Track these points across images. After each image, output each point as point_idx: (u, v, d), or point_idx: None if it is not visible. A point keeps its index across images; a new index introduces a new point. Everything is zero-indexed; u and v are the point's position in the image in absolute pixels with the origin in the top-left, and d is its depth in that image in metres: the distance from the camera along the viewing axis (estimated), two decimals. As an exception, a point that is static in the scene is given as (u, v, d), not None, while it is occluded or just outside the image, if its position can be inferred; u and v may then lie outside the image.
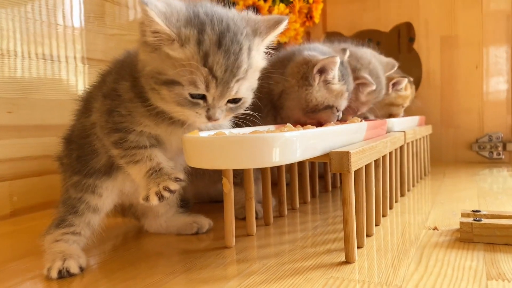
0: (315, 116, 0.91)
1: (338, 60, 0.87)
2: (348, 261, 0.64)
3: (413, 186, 1.19)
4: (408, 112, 1.50)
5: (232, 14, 0.63)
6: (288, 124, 0.81)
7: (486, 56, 1.64)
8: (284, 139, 0.55)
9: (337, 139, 0.67)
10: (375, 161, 0.78)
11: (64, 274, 0.62)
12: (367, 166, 0.73)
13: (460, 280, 0.56)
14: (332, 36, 1.69)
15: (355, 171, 0.66)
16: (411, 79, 1.46)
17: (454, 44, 1.68)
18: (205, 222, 0.85)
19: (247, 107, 0.68)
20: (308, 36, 1.87)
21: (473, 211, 0.78)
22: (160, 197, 0.62)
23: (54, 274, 0.62)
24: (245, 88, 0.64)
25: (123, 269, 0.66)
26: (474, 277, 0.57)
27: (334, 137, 0.67)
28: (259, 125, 0.81)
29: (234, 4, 1.39)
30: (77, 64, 1.20)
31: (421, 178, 1.31)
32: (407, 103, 1.42)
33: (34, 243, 0.72)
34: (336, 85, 0.91)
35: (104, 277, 0.64)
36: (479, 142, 1.66)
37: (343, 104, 0.94)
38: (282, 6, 1.60)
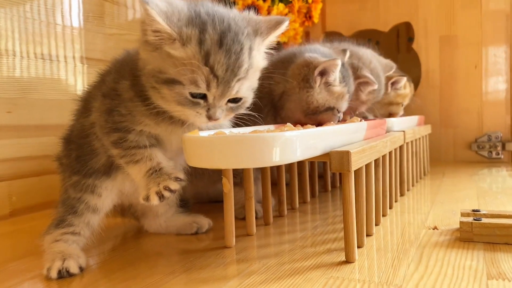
0: (316, 117, 0.91)
1: (339, 62, 0.87)
2: (348, 260, 0.64)
3: (413, 185, 1.19)
4: (408, 112, 1.50)
5: (233, 14, 0.63)
6: (288, 123, 0.80)
7: (485, 56, 1.64)
8: (284, 139, 0.55)
9: (337, 138, 0.67)
10: (375, 160, 0.78)
11: (64, 274, 0.62)
12: (367, 166, 0.73)
13: (461, 279, 0.56)
14: (331, 36, 1.69)
15: (355, 171, 0.65)
16: (409, 78, 1.46)
17: (453, 44, 1.68)
18: (204, 222, 0.84)
19: (247, 107, 0.68)
20: (307, 36, 1.87)
21: (473, 210, 0.78)
22: (161, 196, 0.62)
23: (53, 274, 0.62)
24: (246, 87, 0.64)
25: (123, 269, 0.66)
26: (474, 277, 0.57)
27: (334, 137, 0.67)
28: (259, 125, 0.81)
29: (233, 4, 1.38)
30: (76, 64, 1.20)
31: (420, 178, 1.31)
32: (406, 102, 1.42)
33: (34, 243, 0.72)
34: (337, 87, 0.91)
35: (103, 277, 0.63)
36: (478, 142, 1.66)
37: (344, 106, 0.94)
38: (281, 6, 1.60)
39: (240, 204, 0.90)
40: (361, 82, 1.07)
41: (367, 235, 0.74)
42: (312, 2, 1.70)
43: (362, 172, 0.69)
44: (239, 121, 0.73)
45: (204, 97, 0.61)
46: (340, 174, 1.27)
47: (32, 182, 1.08)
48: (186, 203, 0.92)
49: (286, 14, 1.63)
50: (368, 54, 1.18)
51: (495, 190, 1.13)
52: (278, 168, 0.95)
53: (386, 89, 1.30)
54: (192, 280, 0.60)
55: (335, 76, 0.89)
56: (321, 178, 1.24)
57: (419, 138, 1.26)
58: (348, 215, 0.63)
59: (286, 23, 0.66)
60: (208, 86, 0.59)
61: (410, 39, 1.88)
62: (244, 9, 0.67)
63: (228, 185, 0.73)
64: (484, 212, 0.77)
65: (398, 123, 1.08)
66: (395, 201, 1.00)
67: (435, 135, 1.63)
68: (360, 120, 0.89)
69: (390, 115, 1.38)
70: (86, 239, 0.73)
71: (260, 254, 0.70)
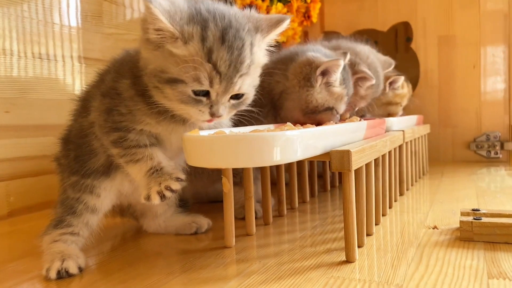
0: (315, 117, 0.91)
1: (342, 63, 0.87)
2: (348, 260, 0.64)
3: (412, 185, 1.19)
4: (407, 111, 1.50)
5: (234, 11, 0.64)
6: (288, 123, 0.80)
7: (484, 56, 1.64)
8: (285, 138, 0.55)
9: (337, 138, 0.67)
10: (375, 160, 0.78)
11: (63, 275, 0.62)
12: (367, 165, 0.73)
13: (461, 279, 0.56)
14: (330, 36, 1.69)
15: (355, 170, 0.65)
16: (407, 78, 1.46)
17: (451, 44, 1.68)
18: (204, 222, 0.84)
19: (248, 104, 0.68)
20: (305, 36, 1.87)
21: (473, 210, 0.78)
22: (162, 196, 0.62)
23: (52, 274, 0.62)
24: (248, 84, 0.64)
25: (122, 270, 0.65)
26: (475, 276, 0.57)
27: (334, 136, 0.66)
28: (260, 124, 0.81)
29: (232, 3, 1.38)
30: (74, 64, 1.20)
31: (419, 177, 1.31)
32: (404, 102, 1.42)
33: (32, 243, 0.72)
34: (337, 88, 0.91)
35: (103, 277, 0.63)
36: (477, 142, 1.66)
37: (342, 107, 0.94)
38: (280, 5, 1.60)
39: (239, 203, 0.90)
40: (359, 78, 1.07)
41: (367, 235, 0.74)
42: (311, 1, 1.70)
43: (362, 172, 0.69)
44: (241, 118, 0.72)
45: (206, 94, 0.61)
46: (339, 173, 1.27)
47: (31, 182, 1.08)
48: (185, 203, 0.92)
49: (285, 14, 1.63)
50: (366, 50, 1.18)
51: (494, 189, 1.14)
52: (277, 167, 0.95)
53: (384, 88, 1.30)
54: (191, 280, 0.60)
55: (336, 76, 0.89)
56: (320, 177, 1.24)
57: (418, 138, 1.26)
58: (349, 214, 0.63)
59: (287, 22, 0.66)
60: (211, 83, 0.59)
61: (409, 39, 1.88)
62: (243, 9, 0.67)
63: (228, 185, 0.73)
64: (484, 211, 0.77)
65: (397, 122, 1.08)
66: (395, 201, 1.00)
67: (433, 134, 1.63)
68: (360, 120, 0.89)
69: (389, 115, 1.38)
70: (85, 240, 0.72)
71: (260, 254, 0.70)
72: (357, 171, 0.68)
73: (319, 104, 0.89)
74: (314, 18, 1.74)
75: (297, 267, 0.63)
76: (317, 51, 0.94)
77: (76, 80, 1.20)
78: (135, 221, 0.88)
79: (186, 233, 0.83)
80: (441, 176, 1.37)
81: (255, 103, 0.71)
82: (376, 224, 0.81)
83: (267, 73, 0.73)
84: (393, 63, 1.28)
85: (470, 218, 0.72)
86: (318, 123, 0.92)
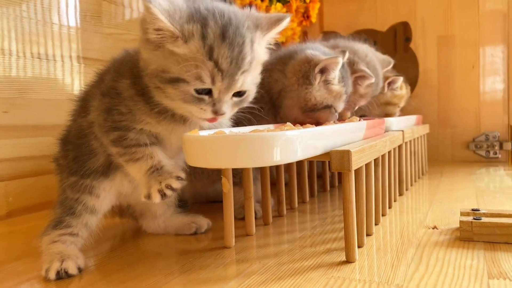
0: (313, 115, 0.91)
1: (340, 60, 0.87)
2: (348, 260, 0.64)
3: (411, 185, 1.19)
4: (406, 111, 1.50)
5: (233, 9, 0.64)
6: (288, 123, 0.80)
7: (483, 56, 1.64)
8: (285, 138, 0.55)
9: (337, 138, 0.67)
10: (375, 160, 0.78)
11: (62, 275, 0.62)
12: (367, 165, 0.73)
13: (462, 279, 0.56)
14: (328, 35, 1.69)
15: (355, 170, 0.65)
16: (405, 79, 1.46)
17: (450, 44, 1.68)
18: (203, 222, 0.84)
19: (250, 101, 0.68)
20: (305, 36, 1.87)
21: (473, 209, 0.78)
22: (163, 195, 0.61)
23: (52, 275, 0.61)
24: (250, 80, 0.64)
25: (122, 270, 0.65)
26: (475, 276, 0.56)
27: (334, 136, 0.66)
28: (260, 123, 0.81)
29: (231, 3, 1.38)
30: (73, 64, 1.19)
31: (418, 177, 1.31)
32: (402, 103, 1.42)
33: (31, 244, 0.72)
34: (336, 86, 0.91)
35: (102, 278, 0.63)
36: (476, 141, 1.66)
37: (340, 106, 0.94)
38: (279, 5, 1.60)
39: (239, 204, 0.90)
40: (358, 76, 1.07)
41: (367, 235, 0.74)
42: (310, 1, 1.70)
43: (362, 172, 0.69)
44: (242, 117, 0.72)
45: (209, 93, 0.61)
46: (338, 173, 1.27)
47: (29, 182, 1.07)
48: (185, 203, 0.92)
49: (283, 14, 1.63)
50: (364, 48, 1.18)
51: (493, 189, 1.14)
52: (277, 167, 0.95)
53: (383, 88, 1.30)
54: (191, 280, 0.60)
55: (335, 74, 0.89)
56: (320, 177, 1.23)
57: (418, 138, 1.26)
58: (349, 214, 0.63)
59: (287, 20, 0.66)
60: (213, 81, 0.59)
61: (408, 39, 1.88)
62: (242, 8, 0.67)
63: (227, 185, 0.73)
64: (483, 211, 0.77)
65: (397, 122, 1.08)
66: (394, 201, 1.00)
67: (433, 134, 1.63)
68: (359, 120, 0.89)
69: (386, 115, 1.38)
70: (84, 240, 0.72)
71: (259, 254, 0.70)
72: (357, 171, 0.68)
73: (318, 102, 0.90)
74: (313, 18, 1.73)
75: (297, 267, 0.63)
76: (316, 49, 0.94)
77: (75, 80, 1.20)
78: (134, 222, 0.87)
79: (186, 234, 0.83)
80: (440, 176, 1.37)
81: (255, 101, 0.71)
82: (375, 224, 0.81)
83: (266, 71, 0.73)
84: (392, 61, 1.28)
85: (470, 218, 0.72)
86: (317, 122, 0.92)
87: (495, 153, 1.64)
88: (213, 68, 0.58)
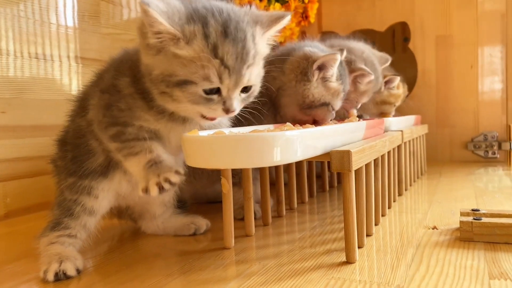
0: (310, 112, 0.91)
1: (338, 57, 0.87)
2: (349, 261, 0.63)
3: (410, 185, 1.19)
4: (403, 112, 1.50)
5: (231, 6, 0.63)
6: (288, 123, 0.80)
7: (481, 56, 1.65)
8: (285, 138, 0.55)
9: (337, 138, 0.67)
10: (374, 160, 0.77)
11: (61, 277, 0.61)
12: (367, 165, 0.72)
13: (463, 279, 0.56)
14: (326, 36, 1.69)
15: (355, 171, 0.65)
16: (402, 78, 1.46)
17: (449, 44, 1.68)
18: (202, 223, 0.84)
19: (255, 96, 0.68)
20: (303, 36, 1.86)
21: (473, 210, 0.77)
22: (161, 188, 0.60)
23: (50, 276, 0.61)
24: (255, 74, 0.64)
25: (120, 271, 0.65)
26: (476, 277, 0.56)
27: (334, 136, 0.66)
28: (260, 123, 0.81)
29: (228, 2, 1.38)
30: (71, 64, 1.19)
31: (418, 178, 1.31)
32: (399, 102, 1.42)
33: (29, 245, 0.71)
34: (334, 83, 0.91)
35: (101, 279, 0.62)
36: (474, 142, 1.66)
37: (338, 104, 0.94)
38: (277, 5, 1.59)
39: (238, 204, 0.90)
40: (357, 75, 1.07)
41: (367, 235, 0.74)
42: (309, 2, 1.70)
43: (362, 172, 0.69)
44: (242, 116, 0.72)
45: (217, 91, 0.61)
46: (338, 174, 1.27)
47: (27, 183, 1.07)
48: (184, 204, 0.92)
49: (282, 14, 1.63)
50: (360, 46, 1.18)
51: (492, 189, 1.14)
52: (276, 168, 0.95)
53: (380, 87, 1.29)
54: (191, 281, 0.59)
55: (333, 71, 0.89)
56: (319, 178, 1.23)
57: (416, 138, 1.26)
58: (349, 215, 0.63)
59: (288, 18, 0.66)
60: (220, 79, 0.59)
61: (406, 39, 1.88)
62: (241, 7, 0.67)
63: (227, 186, 0.72)
64: (483, 211, 0.76)
65: (396, 122, 1.08)
66: (394, 201, 0.99)
67: (431, 134, 1.63)
68: (359, 120, 0.89)
69: (381, 114, 1.38)
70: (83, 242, 0.72)
71: (259, 255, 0.69)
72: (357, 172, 0.67)
73: (316, 99, 0.90)
74: (312, 18, 1.73)
75: (297, 268, 0.62)
76: (315, 47, 0.94)
77: (73, 80, 1.19)
78: (133, 223, 0.87)
79: (185, 234, 0.83)
80: (439, 176, 1.37)
81: (255, 104, 0.71)
82: (375, 225, 0.80)
83: (266, 70, 0.73)
84: (389, 58, 1.27)
85: (470, 218, 0.71)
86: (314, 119, 0.92)
87: (494, 153, 1.64)
88: (220, 66, 0.58)
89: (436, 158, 1.70)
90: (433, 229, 0.79)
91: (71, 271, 0.62)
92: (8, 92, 1.03)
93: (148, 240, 0.82)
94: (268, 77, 0.89)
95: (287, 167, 0.99)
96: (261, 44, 0.64)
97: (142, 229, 0.85)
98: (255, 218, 0.84)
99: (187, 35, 0.58)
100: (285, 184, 0.96)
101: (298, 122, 0.91)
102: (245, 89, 0.64)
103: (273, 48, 0.70)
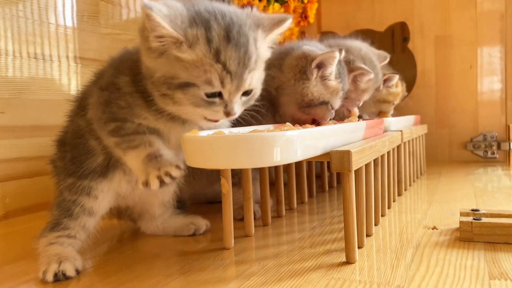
0: (310, 111, 0.91)
1: (337, 55, 0.87)
2: (348, 261, 0.63)
3: (410, 185, 1.19)
4: (403, 112, 1.50)
5: (233, 9, 0.63)
6: (288, 123, 0.80)
7: (480, 56, 1.65)
8: (285, 138, 0.55)
9: (337, 138, 0.67)
10: (374, 160, 0.77)
11: (60, 277, 0.61)
12: (367, 166, 0.72)
13: (463, 279, 0.56)
14: (326, 36, 1.69)
15: (355, 171, 0.65)
16: (401, 77, 1.46)
17: (448, 44, 1.68)
18: (202, 223, 0.84)
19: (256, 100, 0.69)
20: (302, 36, 1.86)
21: (472, 210, 0.77)
22: (161, 182, 0.59)
23: (49, 277, 0.61)
24: (256, 78, 0.64)
25: (120, 272, 0.65)
26: (476, 277, 0.56)
27: (334, 136, 0.66)
28: (260, 123, 0.80)
29: (229, 3, 1.38)
30: (70, 64, 1.19)
31: (417, 178, 1.31)
32: (397, 101, 1.42)
33: (28, 245, 0.71)
34: (333, 82, 0.91)
35: (100, 280, 0.62)
36: (473, 142, 1.66)
37: (337, 102, 0.94)
38: (277, 5, 1.59)
39: (238, 204, 0.90)
40: (356, 74, 1.07)
41: (366, 236, 0.74)
42: (308, 2, 1.70)
43: (362, 172, 0.69)
44: (242, 117, 0.72)
45: (219, 95, 0.61)
46: (337, 174, 1.26)
47: (26, 183, 1.06)
48: (183, 204, 0.91)
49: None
50: (357, 44, 1.17)
51: (491, 189, 1.14)
52: (276, 168, 0.95)
53: (380, 83, 1.29)
54: (190, 282, 0.59)
55: (331, 69, 0.89)
56: (319, 178, 1.23)
57: (416, 138, 1.26)
58: (349, 215, 0.63)
59: (289, 21, 0.66)
60: (222, 83, 0.59)
61: (405, 39, 1.88)
62: (241, 8, 0.67)
63: (226, 186, 0.72)
64: (483, 211, 0.76)
65: (395, 122, 1.08)
66: (393, 201, 0.99)
67: (430, 134, 1.63)
68: (358, 120, 0.89)
69: (380, 113, 1.38)
70: (82, 242, 0.71)
71: (259, 255, 0.69)
72: (357, 172, 0.67)
73: (315, 97, 0.90)
74: (311, 18, 1.73)
75: (297, 268, 0.62)
76: (313, 46, 0.94)
77: (72, 80, 1.19)
78: (132, 223, 0.87)
79: (184, 235, 0.82)
80: (438, 176, 1.37)
81: (255, 105, 0.71)
82: (375, 225, 0.80)
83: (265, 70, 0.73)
84: (388, 56, 1.27)
85: (470, 219, 0.71)
86: (313, 119, 0.92)
87: (493, 153, 1.64)
88: (222, 70, 0.58)
89: (435, 158, 1.70)
90: (433, 229, 0.79)
91: (70, 272, 0.62)
92: (7, 92, 1.03)
93: (147, 240, 0.82)
94: (267, 77, 0.89)
95: (287, 167, 0.99)
96: (262, 48, 0.64)
97: (142, 229, 0.85)
98: (254, 218, 0.83)
99: (190, 39, 0.58)
100: (284, 184, 0.96)
101: (297, 121, 0.91)
102: (246, 93, 0.64)
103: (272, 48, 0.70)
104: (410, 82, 1.71)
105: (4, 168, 1.02)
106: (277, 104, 0.92)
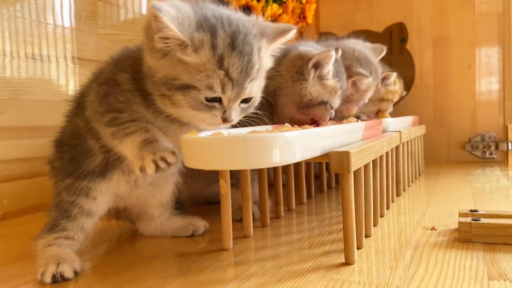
0: (308, 111, 0.91)
1: (333, 54, 0.87)
2: (348, 262, 0.63)
3: (408, 186, 1.19)
4: (401, 112, 1.51)
5: (239, 16, 0.64)
6: (286, 124, 0.80)
7: (478, 56, 1.65)
8: (284, 139, 0.55)
9: (336, 139, 0.67)
10: (373, 161, 0.77)
11: (58, 279, 0.61)
12: (365, 166, 0.72)
13: (462, 280, 0.56)
14: (324, 37, 1.69)
15: (354, 171, 0.65)
16: (399, 75, 1.46)
17: (446, 44, 1.69)
18: (200, 224, 0.83)
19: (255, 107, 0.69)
20: (301, 37, 1.86)
21: (471, 210, 0.77)
22: (157, 166, 0.59)
23: (47, 278, 0.60)
24: (257, 87, 0.64)
25: (118, 273, 0.64)
26: (475, 278, 0.56)
27: (333, 137, 0.66)
28: (258, 124, 0.80)
29: (227, 4, 1.38)
30: (68, 64, 1.18)
31: (415, 178, 1.31)
32: (396, 98, 1.42)
33: (26, 247, 0.71)
34: (330, 81, 0.91)
35: (99, 281, 0.62)
36: (472, 142, 1.66)
37: (336, 101, 0.95)
38: (275, 6, 1.59)
39: (236, 205, 0.89)
40: (355, 80, 1.07)
41: (365, 236, 0.74)
42: (306, 2, 1.70)
43: (360, 173, 0.68)
44: (247, 120, 0.72)
45: (218, 100, 0.61)
46: (336, 174, 1.27)
47: (24, 184, 1.06)
48: (182, 205, 0.91)
49: (280, 15, 1.63)
50: (350, 44, 1.17)
51: (489, 190, 1.14)
52: (275, 169, 0.95)
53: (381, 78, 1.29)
54: (189, 283, 0.59)
55: (328, 69, 0.90)
56: (317, 178, 1.23)
57: (414, 139, 1.26)
58: (348, 216, 0.63)
59: (293, 32, 0.67)
60: (223, 89, 0.59)
61: (403, 39, 1.88)
62: (238, 10, 0.67)
63: (225, 187, 0.72)
64: (482, 212, 0.76)
65: (394, 123, 1.08)
66: (392, 202, 0.99)
67: (429, 135, 1.63)
68: (357, 121, 0.89)
69: (379, 112, 1.39)
70: (80, 244, 0.71)
71: (258, 256, 0.69)
72: (356, 172, 0.67)
73: (313, 97, 0.90)
74: (310, 19, 1.73)
75: (295, 269, 0.62)
76: (309, 46, 0.94)
77: (70, 81, 1.19)
78: (131, 224, 0.87)
79: (183, 236, 0.82)
80: (437, 176, 1.37)
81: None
82: (374, 226, 0.80)
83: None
84: (384, 47, 1.26)
85: (468, 219, 0.71)
86: (312, 119, 0.92)
87: (491, 154, 1.65)
88: (224, 77, 0.59)
89: (433, 158, 1.70)
90: (431, 230, 0.79)
91: (68, 273, 0.62)
92: (4, 93, 1.02)
93: (146, 241, 0.81)
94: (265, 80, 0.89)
95: (285, 168, 0.99)
96: (265, 58, 0.65)
97: (140, 230, 0.85)
98: (253, 219, 0.83)
99: (196, 43, 0.58)
100: (283, 185, 0.96)
101: (296, 122, 0.91)
102: (246, 100, 0.65)
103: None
104: (408, 83, 1.71)
105: (2, 169, 1.02)
106: (275, 105, 0.92)
